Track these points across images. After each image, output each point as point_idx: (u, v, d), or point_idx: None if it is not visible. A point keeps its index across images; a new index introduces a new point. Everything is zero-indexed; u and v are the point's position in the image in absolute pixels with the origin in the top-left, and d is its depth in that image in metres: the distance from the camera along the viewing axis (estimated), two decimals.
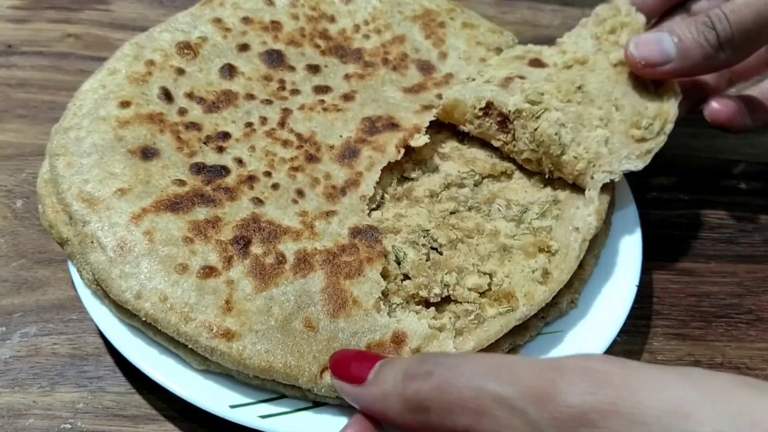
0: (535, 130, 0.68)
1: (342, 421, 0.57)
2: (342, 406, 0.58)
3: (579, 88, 0.71)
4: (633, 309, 0.72)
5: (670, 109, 0.71)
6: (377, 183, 0.68)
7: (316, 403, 0.58)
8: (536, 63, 0.76)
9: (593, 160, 0.67)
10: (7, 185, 0.81)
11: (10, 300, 0.71)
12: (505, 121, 0.70)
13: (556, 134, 0.67)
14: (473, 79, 0.76)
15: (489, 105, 0.71)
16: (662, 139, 0.70)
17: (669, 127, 0.70)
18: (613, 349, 0.69)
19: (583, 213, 0.66)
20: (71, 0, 1.07)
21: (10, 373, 0.65)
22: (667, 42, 0.69)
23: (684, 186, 0.86)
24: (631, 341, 0.71)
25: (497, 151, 0.74)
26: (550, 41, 1.04)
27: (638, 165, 0.67)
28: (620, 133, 0.69)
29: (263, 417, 0.56)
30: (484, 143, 0.74)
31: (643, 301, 0.75)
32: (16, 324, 0.69)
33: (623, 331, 0.71)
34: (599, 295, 0.68)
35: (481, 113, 0.71)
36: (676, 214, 0.84)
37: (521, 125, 0.69)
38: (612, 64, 0.74)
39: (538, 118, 0.68)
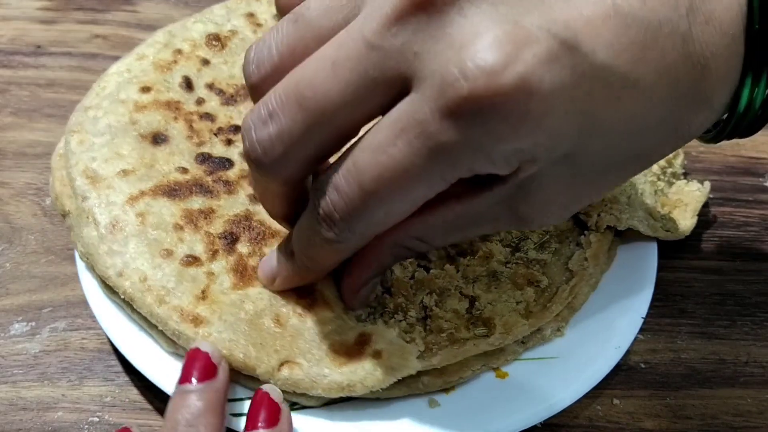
0: None
1: (315, 425, 0.57)
2: (309, 409, 0.58)
3: None
4: (657, 308, 0.71)
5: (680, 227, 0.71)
6: None
7: (290, 406, 0.58)
8: None
9: (608, 201, 0.65)
10: (36, 183, 0.82)
11: (39, 296, 0.72)
12: None
13: None
14: None
15: None
16: (672, 236, 0.69)
17: (691, 222, 0.71)
18: (635, 347, 0.69)
19: (580, 255, 0.65)
20: (98, 1, 1.09)
21: (40, 367, 0.66)
22: (271, 258, 0.60)
23: (710, 184, 0.85)
24: (654, 339, 0.71)
25: None
26: None
27: (647, 231, 0.66)
28: (642, 204, 0.67)
29: (234, 415, 0.57)
30: None
31: (667, 299, 0.74)
32: (46, 319, 0.70)
33: (646, 330, 0.71)
34: (599, 324, 0.65)
35: None
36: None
37: None
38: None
39: None
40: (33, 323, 0.70)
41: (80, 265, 0.66)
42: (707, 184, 0.74)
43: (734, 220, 0.83)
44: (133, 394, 0.65)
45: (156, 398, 0.64)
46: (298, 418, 0.58)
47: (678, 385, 0.68)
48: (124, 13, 1.08)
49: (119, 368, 0.66)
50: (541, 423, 0.60)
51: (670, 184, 0.74)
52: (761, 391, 0.67)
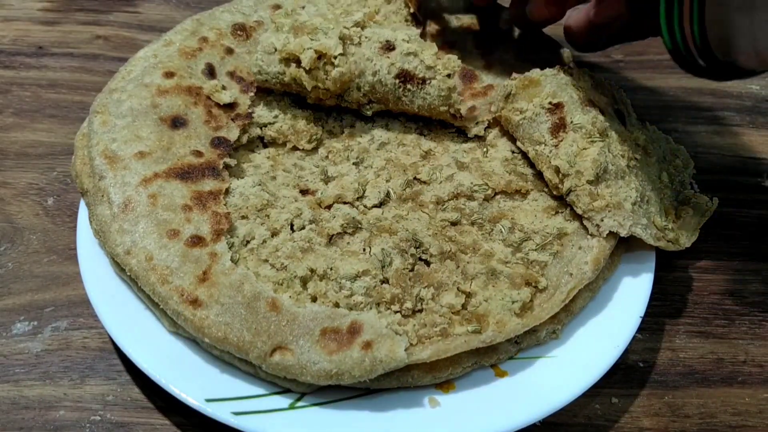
0: (584, 149, 0.67)
1: (316, 424, 0.57)
2: (319, 406, 0.59)
3: (638, 160, 0.71)
4: (655, 307, 0.72)
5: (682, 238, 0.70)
6: (388, 181, 0.71)
7: (292, 405, 0.59)
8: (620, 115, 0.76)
9: (612, 207, 0.66)
10: (38, 183, 0.83)
11: (42, 295, 0.72)
12: (560, 127, 0.69)
13: (601, 164, 0.66)
14: (569, 70, 0.76)
15: (559, 105, 0.70)
16: (673, 246, 0.69)
17: (681, 244, 0.70)
18: (634, 346, 0.70)
19: (581, 259, 0.65)
20: (100, 2, 1.09)
21: (42, 366, 0.67)
22: None
23: (708, 183, 0.86)
24: (653, 339, 0.71)
25: (515, 171, 0.73)
26: None
27: (649, 239, 0.66)
28: (647, 213, 0.68)
29: (236, 414, 0.57)
30: (505, 160, 0.74)
31: (666, 298, 0.75)
32: (48, 319, 0.70)
33: (645, 329, 0.72)
34: (598, 323, 0.66)
35: (547, 106, 0.71)
36: None
37: (573, 139, 0.68)
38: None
39: (593, 142, 0.68)
40: (35, 323, 0.70)
41: (83, 265, 0.66)
42: (716, 200, 0.73)
43: (733, 220, 0.83)
44: (135, 392, 0.65)
45: (158, 397, 0.64)
46: (304, 413, 0.58)
47: (676, 384, 0.68)
48: (125, 14, 1.08)
49: (121, 367, 0.67)
50: (540, 421, 0.61)
51: (678, 193, 0.74)
52: (759, 390, 0.68)
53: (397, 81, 0.71)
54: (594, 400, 0.66)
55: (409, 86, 0.72)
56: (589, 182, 0.66)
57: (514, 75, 0.75)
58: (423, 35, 0.78)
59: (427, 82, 0.72)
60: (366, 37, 0.72)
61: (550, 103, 0.71)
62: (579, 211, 0.67)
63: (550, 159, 0.69)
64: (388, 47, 0.72)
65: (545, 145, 0.70)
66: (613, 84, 0.80)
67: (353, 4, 0.82)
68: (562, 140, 0.69)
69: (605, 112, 0.73)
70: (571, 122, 0.69)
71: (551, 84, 0.72)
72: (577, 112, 0.70)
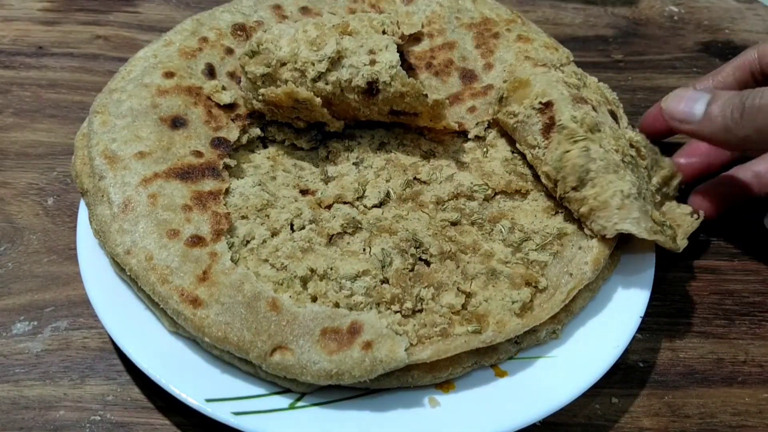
0: (566, 152, 0.67)
1: (316, 424, 0.57)
2: (319, 406, 0.59)
3: (633, 157, 0.70)
4: (655, 307, 0.72)
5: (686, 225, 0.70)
6: (388, 181, 0.71)
7: (292, 405, 0.59)
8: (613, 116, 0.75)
9: (596, 209, 0.65)
10: (38, 183, 0.83)
11: (42, 295, 0.72)
12: (551, 127, 0.69)
13: (581, 167, 0.65)
14: (561, 68, 0.75)
15: (549, 104, 0.70)
16: (671, 245, 0.67)
17: (681, 243, 0.69)
18: (634, 346, 0.70)
19: (581, 259, 0.65)
20: (100, 2, 1.09)
21: (42, 366, 0.67)
22: (699, 105, 0.67)
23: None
24: (653, 339, 0.71)
25: (515, 171, 0.73)
26: (572, 39, 1.04)
27: (641, 233, 0.64)
28: (642, 205, 0.67)
29: (236, 414, 0.57)
30: (505, 160, 0.74)
31: (666, 299, 0.75)
32: (48, 318, 0.70)
33: (645, 329, 0.72)
34: (598, 323, 0.66)
35: (537, 106, 0.70)
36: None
37: (558, 141, 0.68)
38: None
39: (575, 142, 0.67)
40: (35, 323, 0.70)
41: (82, 265, 0.66)
42: (702, 213, 0.72)
43: (733, 220, 0.83)
44: (135, 392, 0.65)
45: (158, 397, 0.64)
46: (304, 413, 0.58)
47: (676, 384, 0.68)
48: (125, 14, 1.08)
49: (121, 367, 0.67)
50: (540, 421, 0.61)
51: (662, 204, 0.74)
52: (759, 390, 0.68)
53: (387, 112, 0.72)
54: (594, 400, 0.66)
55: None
56: (574, 189, 0.66)
57: (506, 77, 0.74)
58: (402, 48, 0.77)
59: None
60: (345, 73, 0.69)
61: (540, 102, 0.70)
62: (575, 216, 0.67)
63: (541, 164, 0.69)
64: (370, 91, 0.69)
65: (539, 147, 0.69)
66: (606, 86, 0.79)
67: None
68: (551, 141, 0.69)
69: (597, 110, 0.72)
70: (559, 121, 0.68)
71: (540, 82, 0.72)
72: (568, 108, 0.69)
